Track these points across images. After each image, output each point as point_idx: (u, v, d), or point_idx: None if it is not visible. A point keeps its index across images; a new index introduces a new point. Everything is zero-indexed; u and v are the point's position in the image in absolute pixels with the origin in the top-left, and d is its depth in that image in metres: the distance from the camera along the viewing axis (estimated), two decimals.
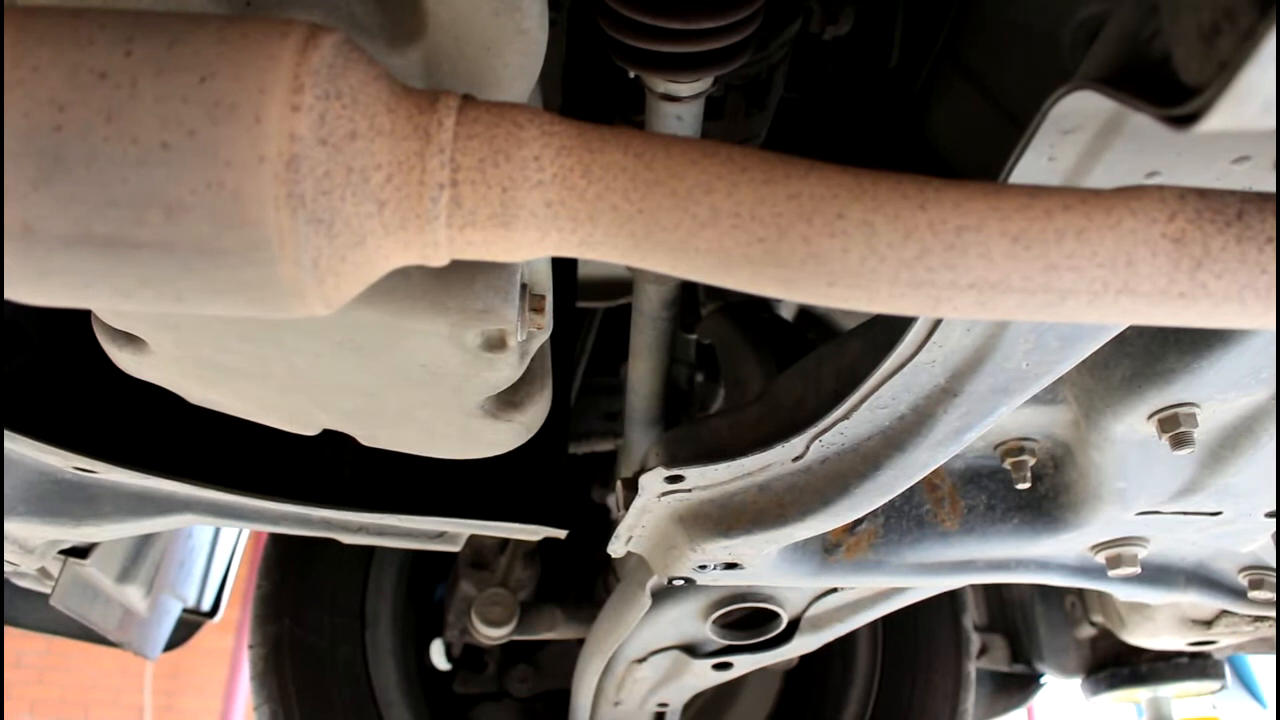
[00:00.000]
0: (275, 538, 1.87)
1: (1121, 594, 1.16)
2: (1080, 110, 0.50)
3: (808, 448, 0.87)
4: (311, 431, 0.88)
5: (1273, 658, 1.67)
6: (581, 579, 2.04)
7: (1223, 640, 1.50)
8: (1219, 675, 1.84)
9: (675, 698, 1.51)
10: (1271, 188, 0.53)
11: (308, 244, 0.43)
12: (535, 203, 0.45)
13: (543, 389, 0.83)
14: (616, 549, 1.04)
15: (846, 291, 0.45)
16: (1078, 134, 0.53)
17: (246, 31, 0.43)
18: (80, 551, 1.31)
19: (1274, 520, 0.99)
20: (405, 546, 1.21)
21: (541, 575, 1.92)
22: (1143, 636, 1.59)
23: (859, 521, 1.03)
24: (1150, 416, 0.83)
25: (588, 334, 1.85)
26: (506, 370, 0.73)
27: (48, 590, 1.33)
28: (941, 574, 1.08)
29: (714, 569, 1.01)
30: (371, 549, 1.88)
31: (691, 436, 0.93)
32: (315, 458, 1.08)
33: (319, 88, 0.42)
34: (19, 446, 0.95)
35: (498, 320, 0.65)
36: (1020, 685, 2.19)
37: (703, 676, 1.41)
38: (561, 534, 1.14)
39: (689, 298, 1.52)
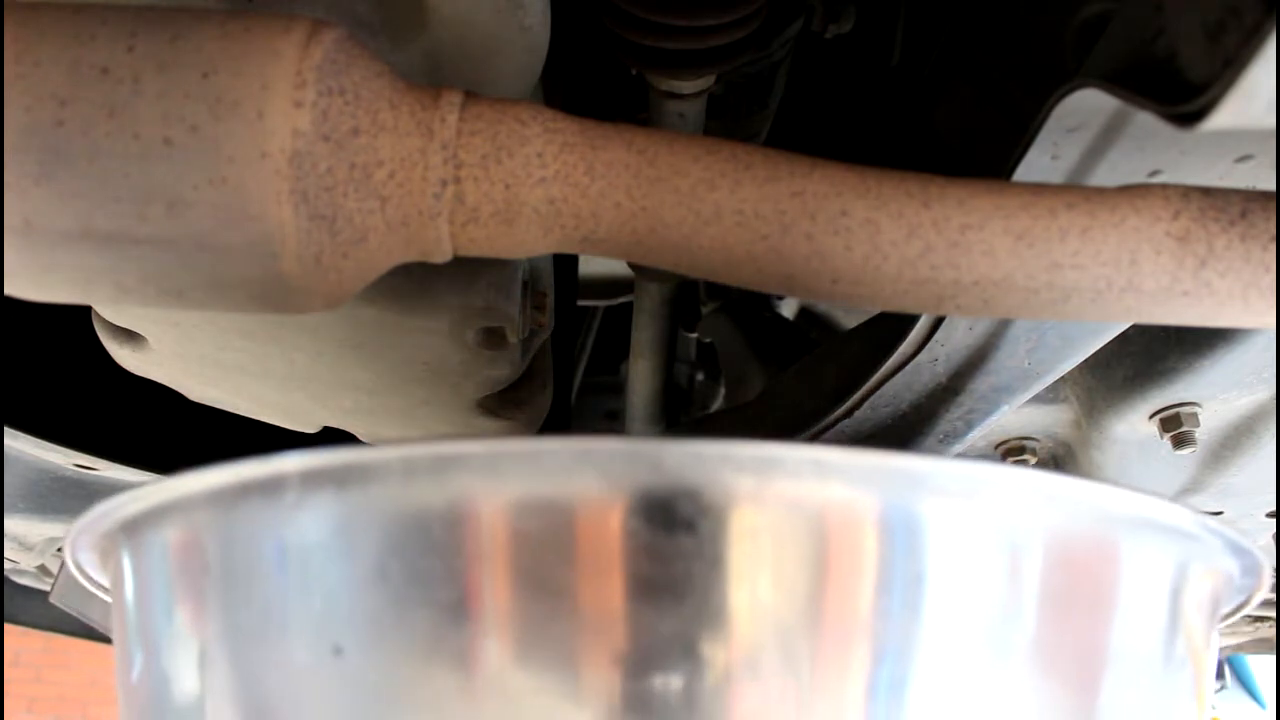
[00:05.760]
0: None
1: None
2: (1084, 108, 0.50)
3: None
4: (312, 429, 0.88)
5: (1273, 658, 1.67)
6: None
7: (1223, 640, 1.49)
8: (1219, 675, 1.84)
9: None
10: (1274, 186, 0.53)
11: (310, 240, 0.43)
12: (538, 199, 0.45)
13: (543, 387, 0.83)
14: None
15: (850, 289, 0.45)
16: (1081, 132, 0.52)
17: (249, 27, 0.43)
18: None
19: (1275, 520, 0.99)
20: None
21: None
22: None
23: None
24: (1152, 416, 0.83)
25: (588, 332, 1.85)
26: (507, 368, 0.72)
27: (47, 588, 1.33)
28: None
29: None
30: None
31: (692, 436, 0.93)
32: None
33: (321, 83, 0.42)
34: (19, 443, 0.95)
35: (499, 317, 0.65)
36: None
37: None
38: None
39: (690, 296, 1.52)
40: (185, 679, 0.47)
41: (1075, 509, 0.45)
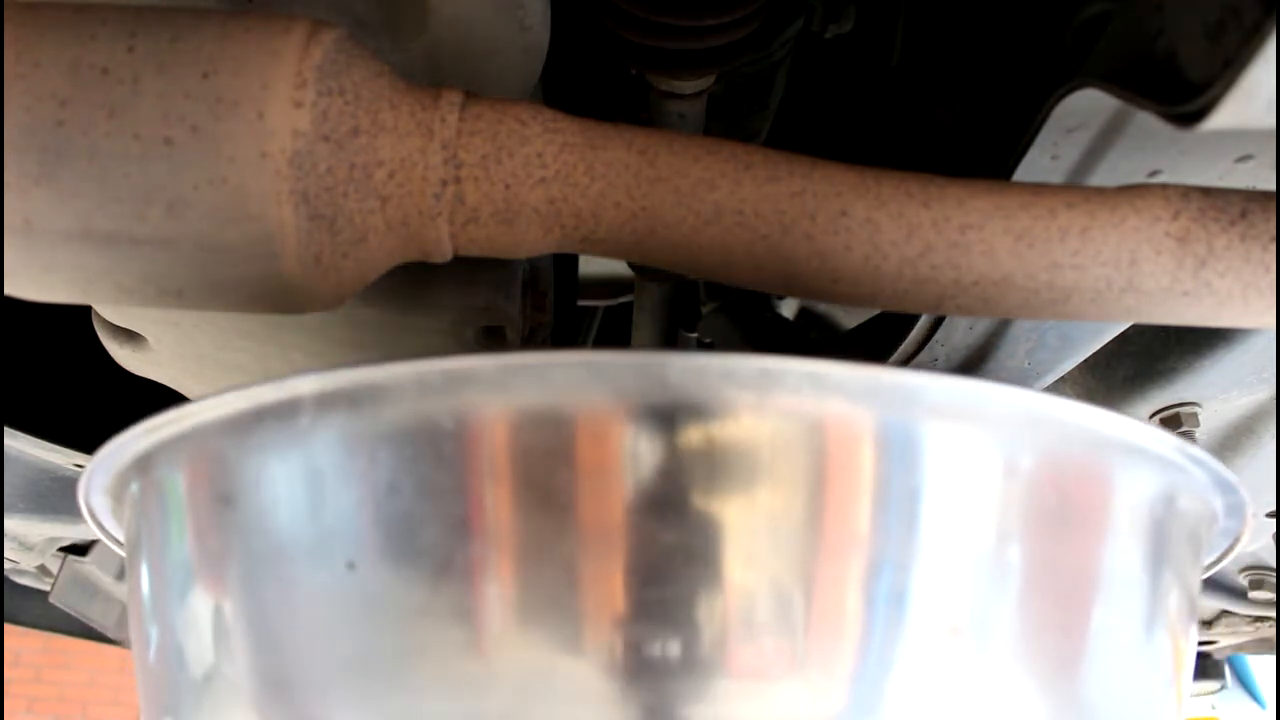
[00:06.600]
0: None
1: None
2: (1084, 108, 0.50)
3: None
4: None
5: (1273, 658, 1.67)
6: None
7: (1223, 640, 1.49)
8: (1219, 675, 1.83)
9: None
10: (1274, 187, 0.53)
11: (310, 240, 0.43)
12: (538, 200, 0.45)
13: None
14: None
15: (850, 289, 0.45)
16: (1081, 132, 0.52)
17: (249, 27, 0.43)
18: (80, 549, 1.31)
19: (1275, 520, 0.99)
20: None
21: None
22: None
23: None
24: (1152, 416, 0.83)
25: (588, 332, 1.85)
26: None
27: (47, 588, 1.33)
28: None
29: None
30: None
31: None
32: None
33: (321, 84, 0.42)
34: (18, 443, 0.95)
35: (499, 317, 0.65)
36: None
37: None
38: None
39: (690, 296, 1.52)
40: (201, 606, 0.48)
41: (1068, 428, 0.45)
